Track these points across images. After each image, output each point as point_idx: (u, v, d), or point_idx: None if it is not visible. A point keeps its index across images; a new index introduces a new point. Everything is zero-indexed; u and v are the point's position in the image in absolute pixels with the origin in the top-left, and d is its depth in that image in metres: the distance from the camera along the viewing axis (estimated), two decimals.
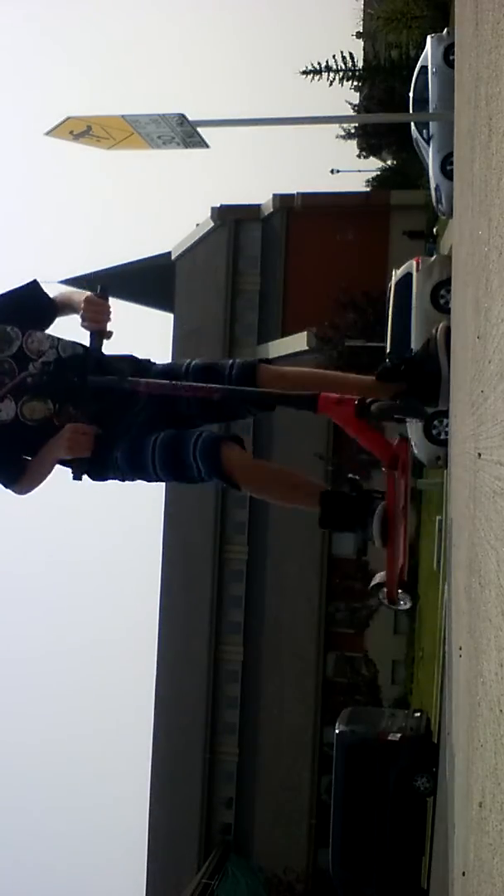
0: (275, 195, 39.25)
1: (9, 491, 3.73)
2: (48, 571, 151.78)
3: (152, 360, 3.90)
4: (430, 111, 14.98)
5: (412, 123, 16.91)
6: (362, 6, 40.61)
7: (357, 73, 36.53)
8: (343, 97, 37.80)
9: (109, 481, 3.77)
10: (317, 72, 36.57)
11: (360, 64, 36.88)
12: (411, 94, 16.77)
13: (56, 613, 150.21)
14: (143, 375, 3.71)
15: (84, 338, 4.04)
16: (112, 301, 3.88)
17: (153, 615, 43.66)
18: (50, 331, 3.89)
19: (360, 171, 41.12)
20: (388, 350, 16.47)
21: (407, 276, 15.43)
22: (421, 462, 17.80)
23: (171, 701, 41.78)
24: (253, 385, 3.65)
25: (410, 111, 17.23)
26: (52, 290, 4.10)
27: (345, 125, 38.70)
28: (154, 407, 3.68)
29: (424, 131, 15.76)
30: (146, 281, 44.13)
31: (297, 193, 38.81)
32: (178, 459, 3.55)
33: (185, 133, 9.83)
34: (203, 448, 3.52)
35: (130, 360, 3.80)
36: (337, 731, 15.20)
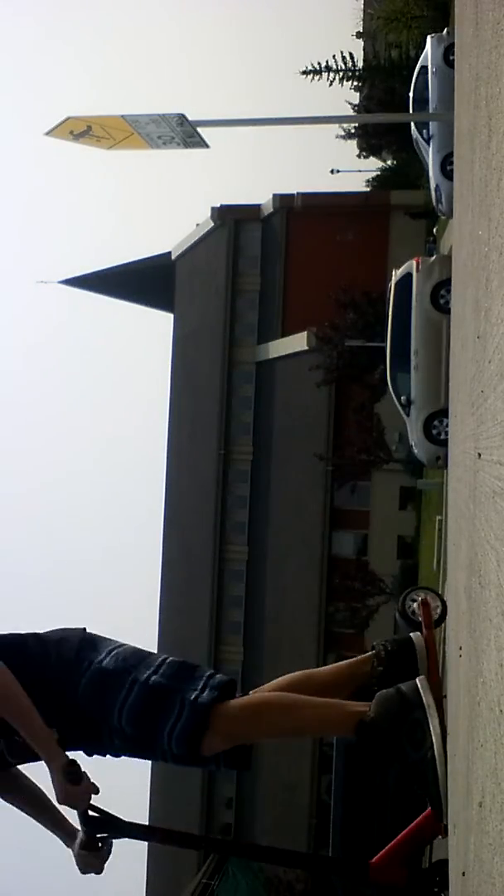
0: (275, 195, 39.25)
1: None
2: (47, 571, 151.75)
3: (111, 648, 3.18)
4: (430, 111, 14.97)
5: (412, 123, 16.90)
6: (362, 6, 40.62)
7: (357, 73, 36.54)
8: (343, 97, 37.89)
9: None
10: (317, 72, 36.59)
11: (360, 64, 36.89)
12: (411, 94, 16.76)
13: (57, 611, 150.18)
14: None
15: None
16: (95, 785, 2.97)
17: (153, 615, 43.70)
18: None
19: (360, 171, 41.17)
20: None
21: (407, 276, 15.42)
22: (421, 462, 17.82)
23: None
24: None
25: (410, 111, 17.23)
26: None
27: (345, 125, 38.69)
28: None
29: (424, 131, 15.76)
30: (146, 281, 44.16)
31: (297, 193, 38.83)
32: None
33: (185, 133, 9.83)
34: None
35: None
36: None
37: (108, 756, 3.17)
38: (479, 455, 2.36)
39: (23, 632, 3.19)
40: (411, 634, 3.37)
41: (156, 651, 3.26)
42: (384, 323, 17.00)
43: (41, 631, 3.22)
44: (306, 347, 35.20)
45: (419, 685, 3.02)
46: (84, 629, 3.22)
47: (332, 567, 36.88)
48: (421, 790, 2.96)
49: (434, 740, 2.88)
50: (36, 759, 3.08)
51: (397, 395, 16.14)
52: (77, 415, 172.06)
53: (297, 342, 36.48)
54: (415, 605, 3.69)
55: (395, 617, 3.89)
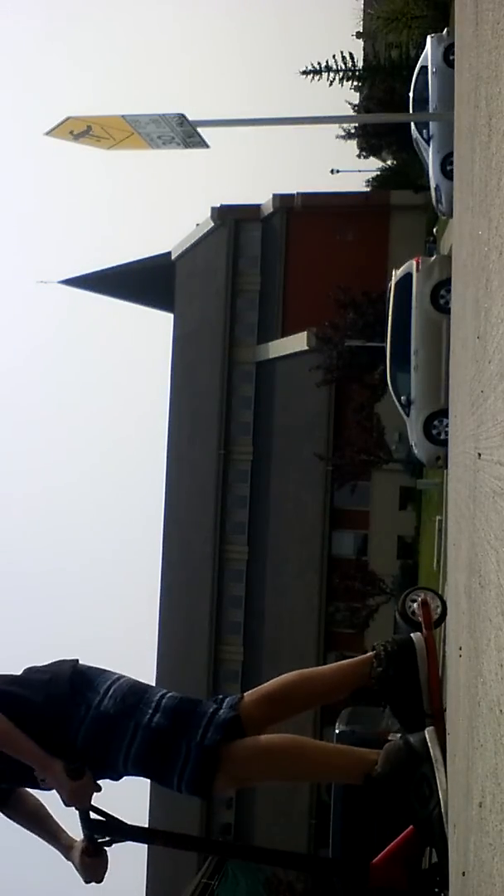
0: (275, 195, 39.26)
1: None
2: (46, 571, 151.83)
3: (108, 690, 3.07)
4: (430, 111, 14.99)
5: (412, 123, 16.91)
6: (362, 6, 40.61)
7: (357, 73, 36.54)
8: (343, 97, 37.90)
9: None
10: (317, 72, 36.58)
11: (360, 64, 36.88)
12: (411, 94, 16.78)
13: (57, 614, 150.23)
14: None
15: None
16: (97, 786, 2.97)
17: (153, 615, 43.70)
18: None
19: (360, 171, 41.17)
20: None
21: (407, 276, 15.44)
22: (421, 462, 17.82)
23: None
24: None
25: (410, 111, 17.24)
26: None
27: (345, 125, 38.69)
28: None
29: (424, 131, 15.77)
30: (146, 281, 44.17)
31: (297, 193, 38.84)
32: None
33: (185, 133, 9.83)
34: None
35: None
36: (337, 731, 15.17)
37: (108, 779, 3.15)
38: (479, 455, 2.36)
39: (4, 673, 3.11)
40: (412, 635, 3.36)
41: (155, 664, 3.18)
42: (384, 323, 17.01)
43: (29, 667, 3.13)
44: (306, 347, 35.20)
45: (427, 737, 3.01)
46: (76, 661, 3.14)
47: (332, 567, 36.87)
48: (429, 845, 2.96)
49: (441, 796, 2.87)
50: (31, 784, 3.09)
51: (397, 395, 16.15)
52: (77, 415, 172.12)
53: (297, 342, 36.48)
54: (415, 605, 3.68)
55: (395, 617, 3.88)
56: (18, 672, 3.13)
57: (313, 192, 39.28)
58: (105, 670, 3.14)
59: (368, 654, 3.33)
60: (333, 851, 15.02)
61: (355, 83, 36.75)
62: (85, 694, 3.01)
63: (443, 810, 2.85)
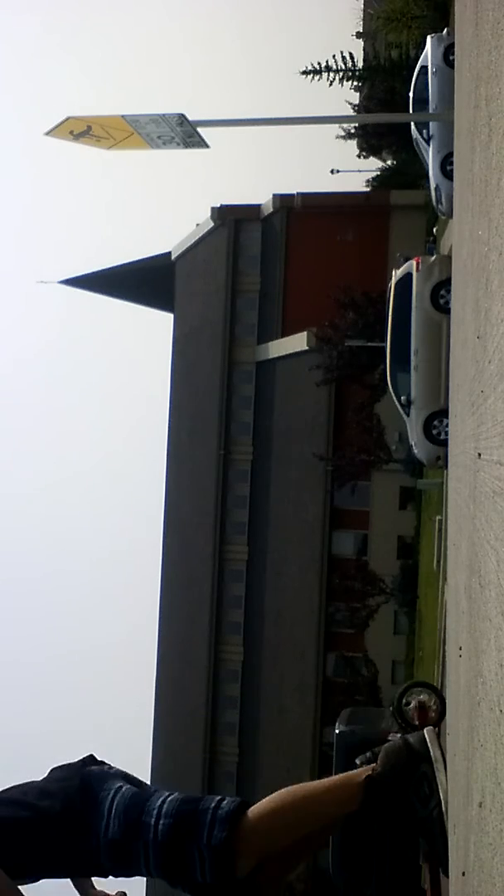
0: (275, 195, 39.26)
1: None
2: (46, 573, 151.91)
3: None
4: (430, 111, 14.99)
5: (412, 123, 16.92)
6: (362, 6, 40.61)
7: (357, 73, 36.53)
8: (343, 97, 37.87)
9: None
10: (317, 72, 36.57)
11: (360, 64, 36.88)
12: (411, 94, 16.78)
13: (54, 617, 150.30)
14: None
15: None
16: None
17: (153, 616, 43.69)
18: None
19: (360, 171, 41.18)
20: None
21: (407, 276, 15.43)
22: (421, 462, 17.82)
23: (171, 701, 41.79)
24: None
25: (410, 111, 17.24)
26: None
27: (345, 125, 38.71)
28: None
29: (424, 131, 15.77)
30: (146, 281, 44.17)
31: (297, 193, 38.84)
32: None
33: (185, 133, 9.83)
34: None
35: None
36: (337, 731, 15.15)
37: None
38: (479, 455, 2.36)
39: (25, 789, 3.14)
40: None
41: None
42: (384, 323, 17.01)
43: (53, 769, 3.18)
44: (306, 347, 35.20)
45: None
46: (82, 769, 3.16)
47: (332, 567, 36.88)
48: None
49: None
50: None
51: (397, 395, 16.14)
52: (77, 415, 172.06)
53: (297, 342, 36.49)
54: (410, 707, 3.62)
55: (391, 712, 3.81)
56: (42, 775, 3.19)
57: (313, 192, 39.28)
58: (108, 776, 3.17)
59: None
60: (334, 878, 15.04)
61: (355, 83, 36.75)
62: (91, 823, 3.06)
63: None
